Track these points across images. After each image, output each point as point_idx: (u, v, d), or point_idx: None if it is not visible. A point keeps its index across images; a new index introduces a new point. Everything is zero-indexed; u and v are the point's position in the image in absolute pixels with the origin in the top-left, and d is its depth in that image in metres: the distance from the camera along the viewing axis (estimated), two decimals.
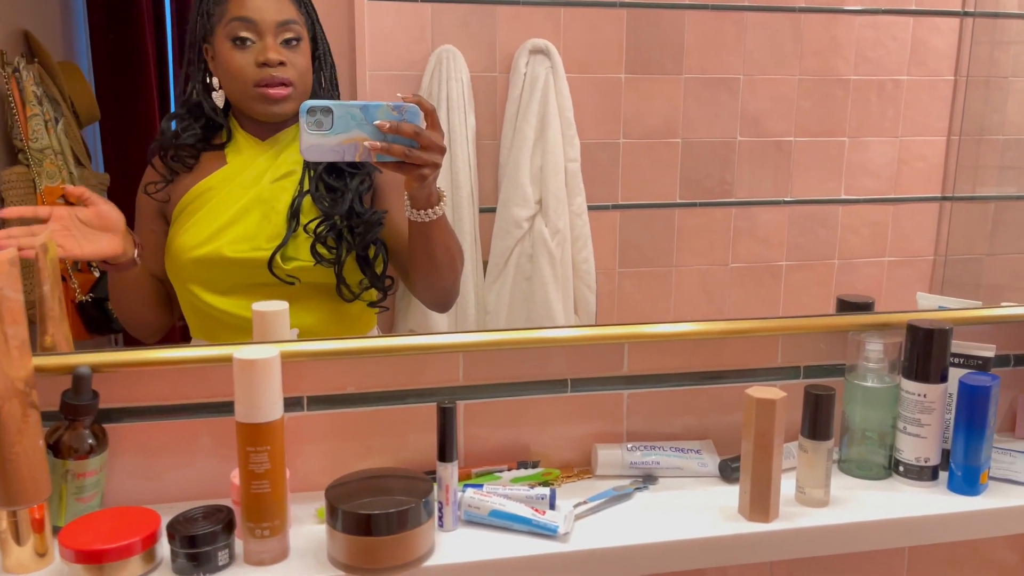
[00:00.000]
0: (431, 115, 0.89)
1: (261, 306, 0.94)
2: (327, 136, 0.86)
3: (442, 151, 0.91)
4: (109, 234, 0.94)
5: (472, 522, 0.87)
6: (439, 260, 1.00)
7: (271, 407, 0.78)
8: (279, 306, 0.94)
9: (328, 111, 0.86)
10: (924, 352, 0.94)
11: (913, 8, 1.30)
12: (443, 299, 1.10)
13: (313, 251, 1.00)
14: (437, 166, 0.91)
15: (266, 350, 0.78)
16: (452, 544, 0.84)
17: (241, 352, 0.77)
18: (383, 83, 1.12)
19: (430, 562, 0.81)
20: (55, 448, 0.81)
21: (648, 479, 0.98)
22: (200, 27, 0.99)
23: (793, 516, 0.90)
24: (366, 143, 0.87)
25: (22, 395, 0.75)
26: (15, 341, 0.75)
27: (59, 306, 0.87)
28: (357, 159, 0.88)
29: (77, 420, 0.82)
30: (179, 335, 1.07)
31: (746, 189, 1.29)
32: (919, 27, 1.30)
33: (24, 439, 0.75)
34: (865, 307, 1.14)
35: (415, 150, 0.88)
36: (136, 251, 0.97)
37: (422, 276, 1.03)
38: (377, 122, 0.87)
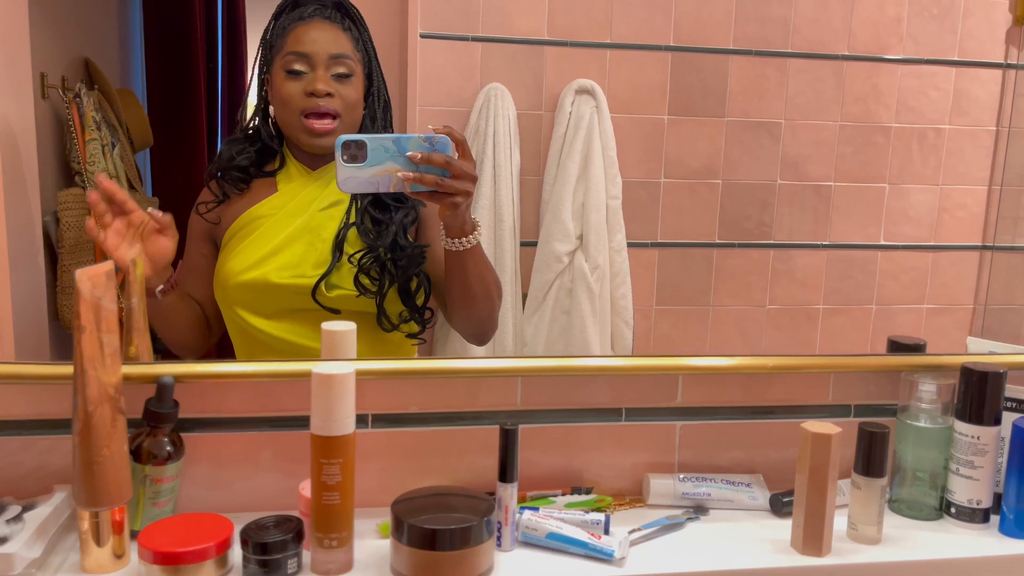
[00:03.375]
0: (462, 145, 0.91)
1: (330, 326, 0.97)
2: (362, 169, 0.89)
3: (473, 180, 0.92)
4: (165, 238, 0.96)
5: (529, 543, 0.89)
6: (474, 290, 1.02)
7: (345, 421, 0.80)
8: (347, 326, 0.97)
9: (362, 144, 0.88)
10: (978, 394, 0.95)
11: (955, 59, 1.32)
12: (480, 331, 1.10)
13: (356, 282, 1.02)
14: (469, 194, 0.92)
15: (342, 366, 0.82)
16: (510, 563, 0.86)
17: (320, 367, 0.80)
18: (432, 118, 1.14)
19: None
20: (136, 453, 0.85)
21: (699, 510, 0.99)
22: (262, 57, 1.04)
23: (845, 552, 0.91)
24: (399, 174, 0.89)
25: (112, 400, 0.79)
26: (109, 349, 0.79)
27: (143, 319, 0.91)
28: (391, 190, 0.90)
29: (158, 427, 0.86)
30: (215, 354, 1.10)
31: (785, 232, 1.30)
32: (961, 78, 1.32)
33: (112, 443, 0.78)
34: (917, 348, 1.15)
35: (447, 179, 0.90)
36: (161, 286, 0.98)
37: (459, 306, 1.04)
38: (409, 153, 0.89)
